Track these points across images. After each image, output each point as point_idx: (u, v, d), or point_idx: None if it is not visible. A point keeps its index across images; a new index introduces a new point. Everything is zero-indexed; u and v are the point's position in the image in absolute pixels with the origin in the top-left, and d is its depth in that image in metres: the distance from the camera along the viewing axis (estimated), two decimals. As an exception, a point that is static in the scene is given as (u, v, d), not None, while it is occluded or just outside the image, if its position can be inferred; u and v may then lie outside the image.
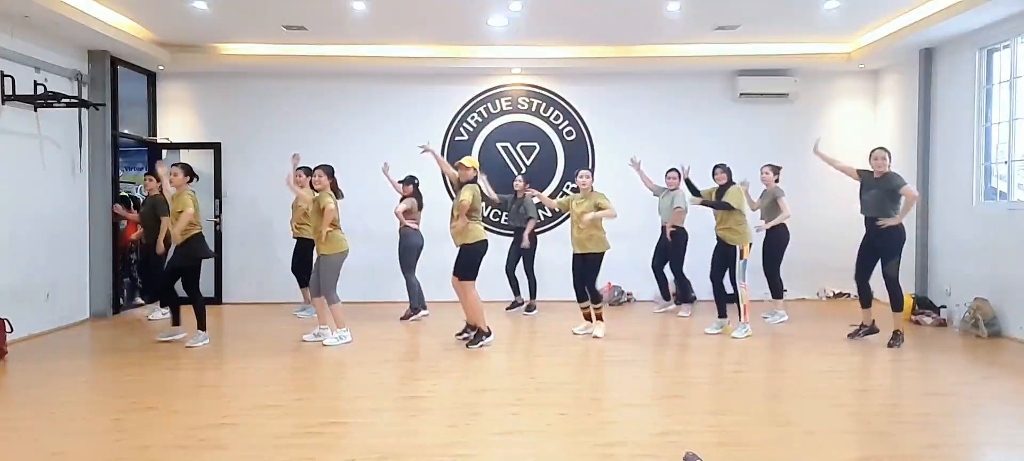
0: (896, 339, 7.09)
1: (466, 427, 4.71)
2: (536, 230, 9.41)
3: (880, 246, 7.09)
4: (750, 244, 7.71)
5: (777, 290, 8.62)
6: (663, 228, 9.11)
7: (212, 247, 10.16)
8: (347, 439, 4.44)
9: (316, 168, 7.43)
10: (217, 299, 10.34)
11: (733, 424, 4.76)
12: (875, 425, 4.74)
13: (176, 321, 7.54)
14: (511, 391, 5.57)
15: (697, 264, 8.92)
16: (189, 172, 7.31)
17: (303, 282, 8.82)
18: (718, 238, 7.83)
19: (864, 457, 4.17)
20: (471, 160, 7.35)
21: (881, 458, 4.13)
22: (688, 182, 8.62)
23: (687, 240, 8.98)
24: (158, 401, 5.31)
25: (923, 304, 8.66)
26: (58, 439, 4.50)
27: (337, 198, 7.36)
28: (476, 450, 4.27)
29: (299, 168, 8.67)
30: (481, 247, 7.16)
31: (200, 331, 7.29)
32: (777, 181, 8.48)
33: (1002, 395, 5.57)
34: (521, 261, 9.23)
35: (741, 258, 7.66)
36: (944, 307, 8.50)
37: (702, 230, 8.49)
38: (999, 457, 4.33)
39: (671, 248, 9.00)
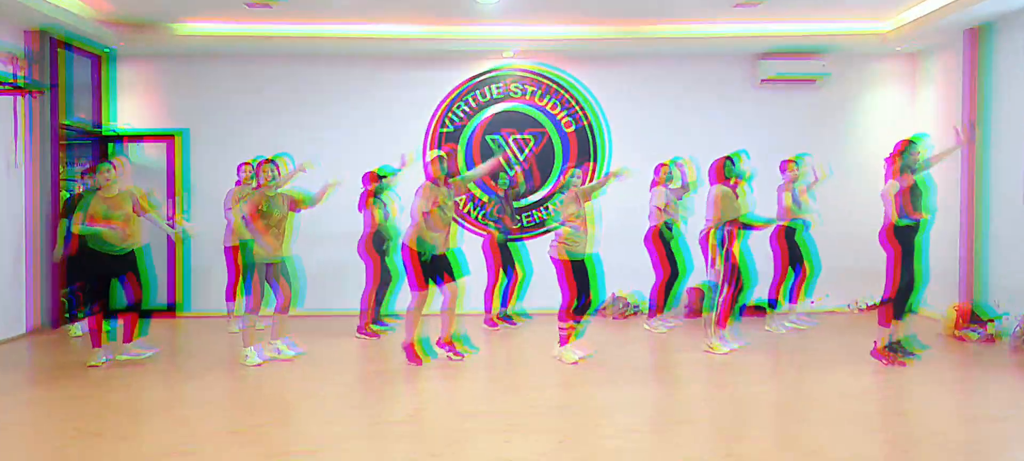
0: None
1: (451, 456, 4.69)
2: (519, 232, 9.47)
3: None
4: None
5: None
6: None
7: (164, 250, 10.18)
8: (317, 470, 4.43)
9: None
10: (174, 309, 10.31)
11: (754, 453, 4.76)
12: (914, 454, 4.74)
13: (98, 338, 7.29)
14: (502, 415, 5.55)
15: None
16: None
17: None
18: None
19: (901, 490, 4.17)
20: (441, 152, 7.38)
21: (920, 491, 4.14)
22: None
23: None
24: (104, 425, 5.29)
25: (969, 317, 8.67)
26: (-10, 471, 4.48)
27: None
28: (463, 483, 4.27)
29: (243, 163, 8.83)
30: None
31: (97, 349, 7.17)
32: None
33: (1057, 419, 5.58)
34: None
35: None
36: (992, 320, 8.50)
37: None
38: (1053, 489, 4.33)
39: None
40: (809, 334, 8.63)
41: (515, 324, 9.27)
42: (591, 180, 7.66)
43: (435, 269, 7.16)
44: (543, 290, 9.93)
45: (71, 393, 6.23)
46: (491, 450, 4.78)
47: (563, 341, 7.31)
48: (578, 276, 7.22)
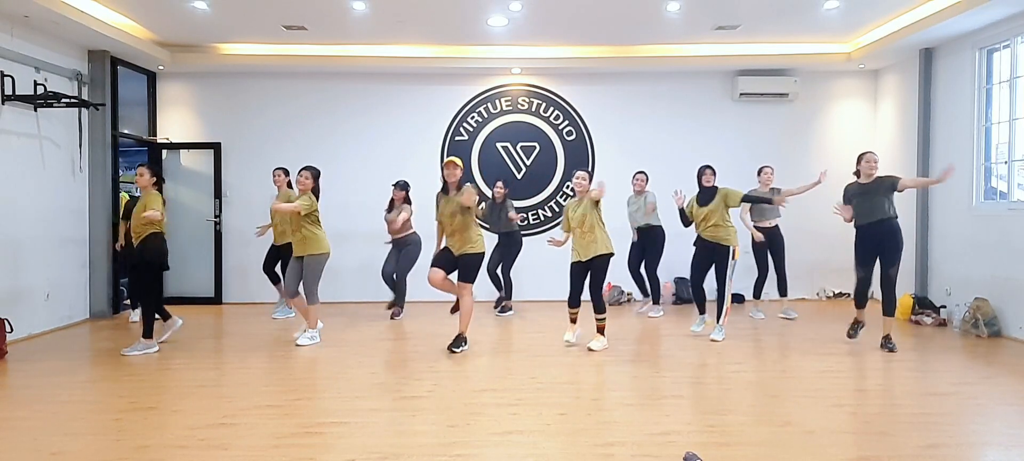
0: (888, 342, 7.00)
1: (466, 427, 4.70)
2: (522, 234, 9.42)
3: (888, 247, 6.79)
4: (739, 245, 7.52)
5: (784, 288, 8.71)
6: (637, 230, 9.13)
7: (211, 247, 10.26)
8: (347, 439, 4.44)
9: (301, 170, 7.39)
10: (217, 299, 10.35)
11: (732, 424, 4.76)
12: (875, 425, 4.74)
13: (164, 316, 7.34)
14: (511, 391, 5.56)
15: (677, 263, 9.13)
16: (155, 173, 7.01)
17: (277, 280, 9.04)
18: (703, 239, 7.57)
19: (864, 457, 4.16)
20: (458, 159, 6.95)
21: (881, 458, 4.12)
22: (681, 212, 7.81)
23: (664, 241, 9.01)
24: (158, 401, 5.31)
25: (923, 304, 8.66)
26: (58, 439, 4.49)
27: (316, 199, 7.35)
28: (476, 450, 4.26)
29: (277, 168, 8.71)
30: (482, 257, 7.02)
31: (144, 340, 6.94)
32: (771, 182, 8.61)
33: (1002, 395, 5.56)
34: (501, 262, 9.21)
35: (733, 259, 7.39)
36: (944, 307, 8.50)
37: (683, 228, 8.46)
38: (999, 457, 4.31)
39: (648, 248, 9.02)
40: (784, 321, 8.63)
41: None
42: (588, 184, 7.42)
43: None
44: (544, 282, 9.98)
45: (127, 372, 6.25)
46: (501, 421, 4.79)
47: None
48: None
